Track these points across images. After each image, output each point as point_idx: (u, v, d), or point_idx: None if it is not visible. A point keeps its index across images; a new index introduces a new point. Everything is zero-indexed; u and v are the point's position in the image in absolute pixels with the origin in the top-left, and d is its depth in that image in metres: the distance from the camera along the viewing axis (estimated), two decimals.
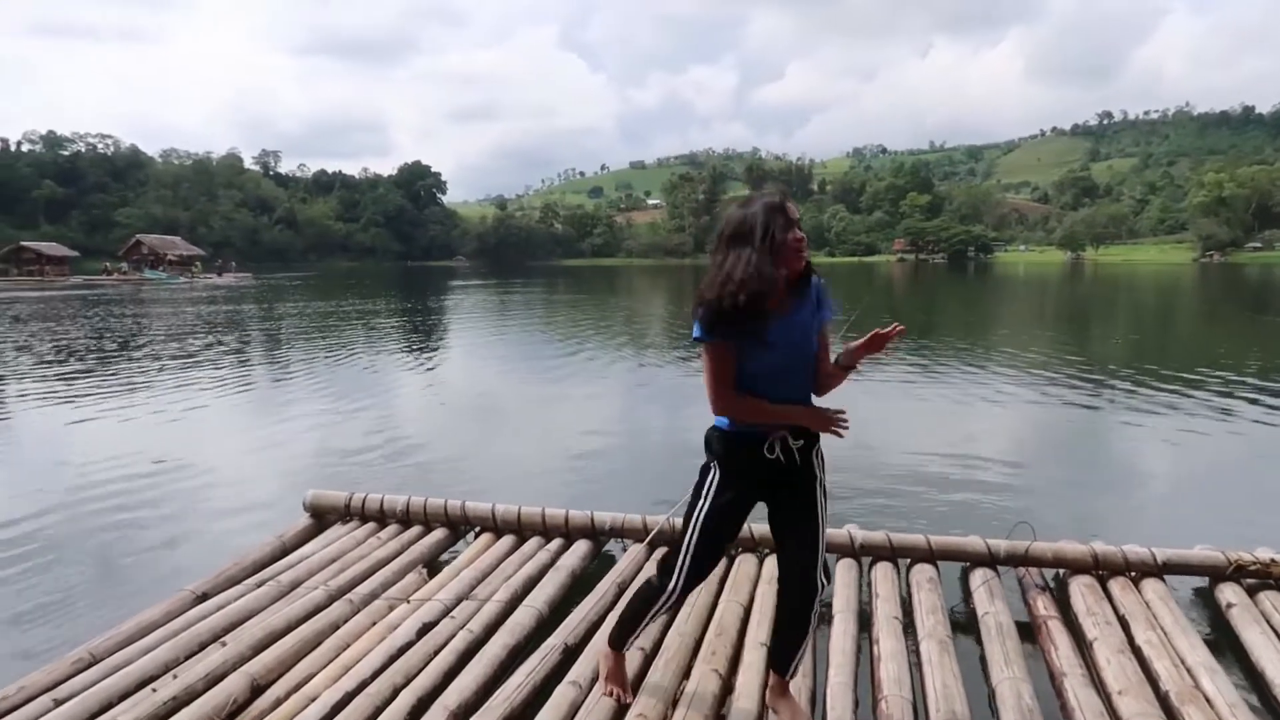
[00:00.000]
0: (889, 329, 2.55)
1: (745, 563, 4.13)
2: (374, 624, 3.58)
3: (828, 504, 2.71)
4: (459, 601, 3.76)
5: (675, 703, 2.92)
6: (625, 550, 4.48)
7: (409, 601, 3.78)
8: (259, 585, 3.94)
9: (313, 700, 2.94)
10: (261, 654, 3.28)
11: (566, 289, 46.60)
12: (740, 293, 2.39)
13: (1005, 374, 12.09)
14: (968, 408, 9.85)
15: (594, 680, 3.06)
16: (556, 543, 4.49)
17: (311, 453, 7.58)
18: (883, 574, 4.02)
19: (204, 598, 3.83)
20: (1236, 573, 3.90)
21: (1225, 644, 3.52)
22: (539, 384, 12.16)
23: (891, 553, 4.19)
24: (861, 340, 2.60)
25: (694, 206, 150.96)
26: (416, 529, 4.72)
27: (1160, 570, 3.94)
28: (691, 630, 3.46)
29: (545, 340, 19.04)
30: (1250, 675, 3.28)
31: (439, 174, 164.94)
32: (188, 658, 3.26)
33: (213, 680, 3.09)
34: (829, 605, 3.77)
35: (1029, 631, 3.58)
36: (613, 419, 9.29)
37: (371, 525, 4.79)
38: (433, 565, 4.37)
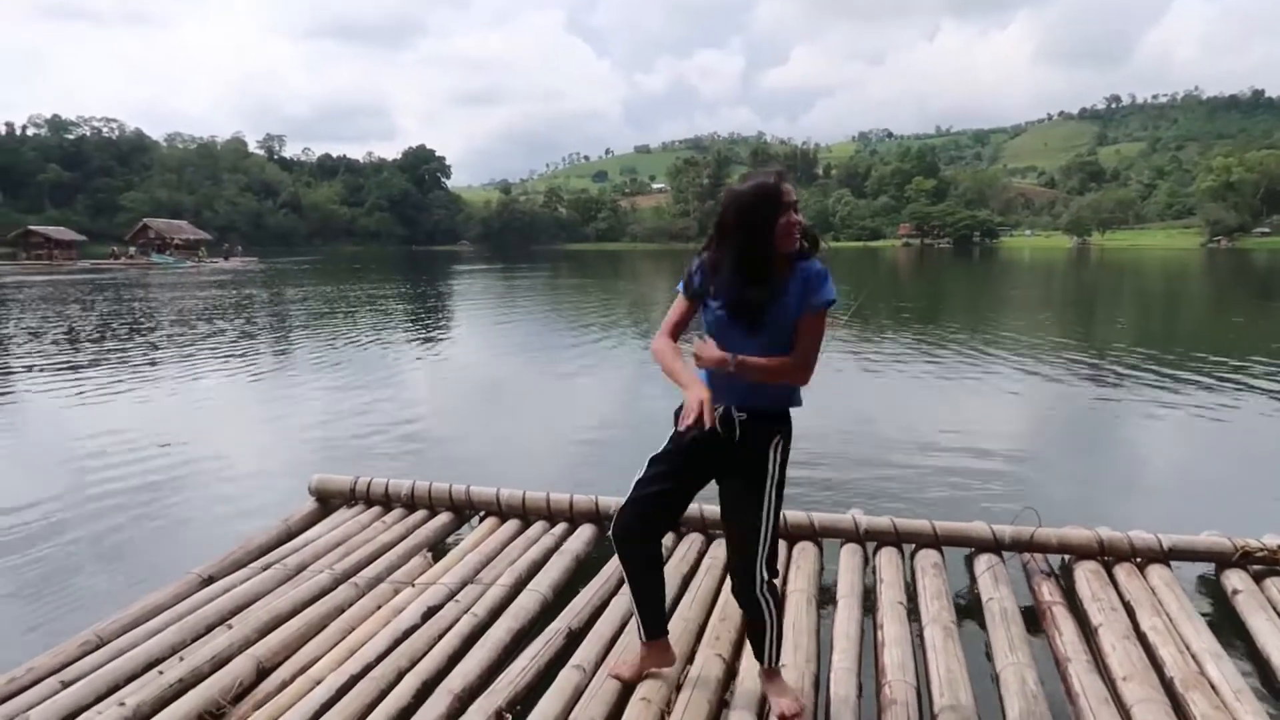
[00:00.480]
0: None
1: None
2: (379, 608, 3.58)
3: (776, 500, 2.63)
4: (463, 585, 3.77)
5: (679, 687, 2.92)
6: None
7: (414, 585, 3.79)
8: (265, 569, 3.94)
9: (318, 683, 2.95)
10: (267, 637, 3.29)
11: (571, 273, 46.55)
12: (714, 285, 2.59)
13: (1011, 359, 12.06)
14: (973, 393, 9.83)
15: (598, 664, 3.07)
16: (561, 527, 4.50)
17: (317, 437, 7.59)
18: (887, 559, 4.02)
19: (210, 581, 3.84)
20: (1243, 559, 3.89)
21: (1231, 630, 3.51)
22: (544, 368, 12.16)
23: (896, 538, 4.19)
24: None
25: (699, 191, 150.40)
26: (421, 513, 4.73)
27: (1166, 556, 3.94)
28: (695, 615, 3.47)
29: (550, 324, 19.04)
30: (1256, 661, 3.28)
31: (443, 158, 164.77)
32: (194, 640, 3.27)
33: (219, 663, 3.09)
34: (832, 590, 3.78)
35: (1034, 617, 3.58)
36: (618, 403, 9.29)
37: (377, 509, 4.79)
38: (437, 549, 4.38)
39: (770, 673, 2.83)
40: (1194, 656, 3.10)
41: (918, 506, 5.19)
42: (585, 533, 4.41)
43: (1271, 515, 5.07)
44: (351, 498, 4.88)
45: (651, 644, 2.92)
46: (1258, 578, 3.82)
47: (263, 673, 3.08)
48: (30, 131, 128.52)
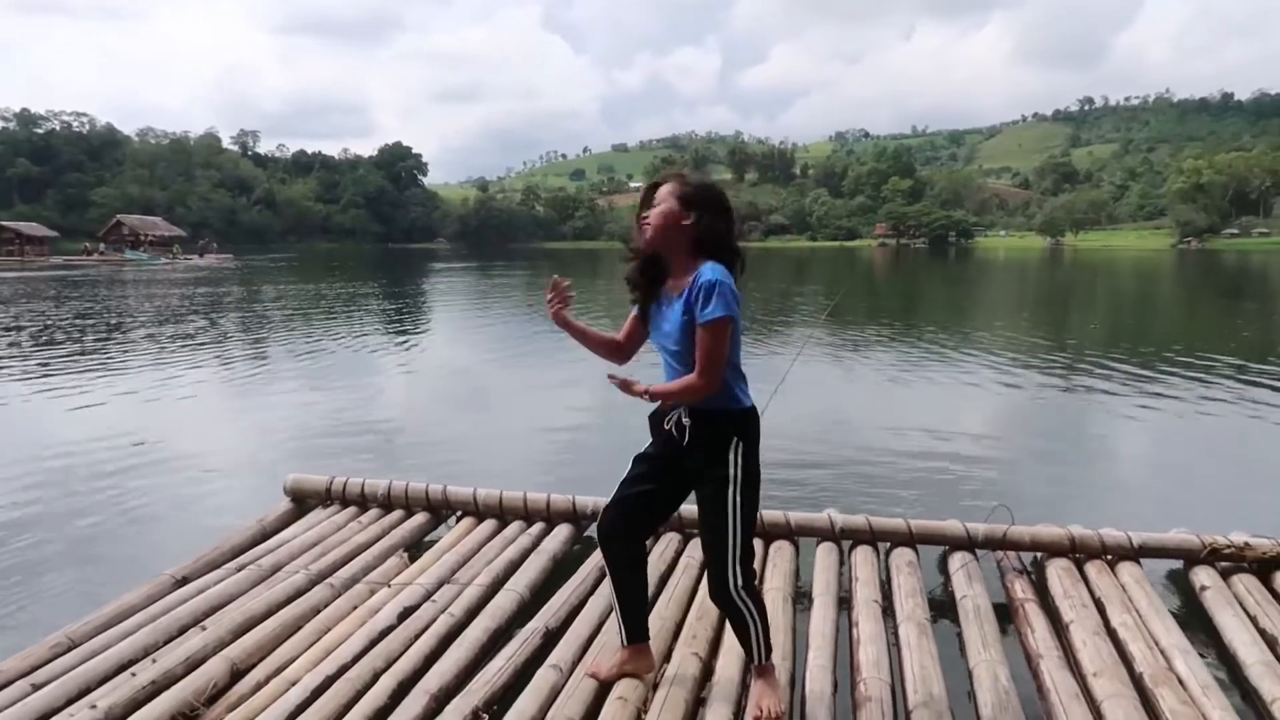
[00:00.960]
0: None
1: None
2: (355, 608, 3.57)
3: (742, 502, 2.63)
4: (440, 586, 3.76)
5: (655, 686, 2.93)
6: None
7: (390, 586, 3.77)
8: (239, 569, 3.91)
9: (293, 684, 2.93)
10: (241, 638, 3.26)
11: (549, 272, 46.27)
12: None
13: (985, 358, 12.17)
14: (948, 392, 9.91)
15: (575, 664, 3.07)
16: (538, 527, 4.49)
17: (292, 436, 7.54)
18: (863, 557, 4.05)
19: (184, 582, 3.80)
20: (1211, 556, 3.96)
21: (1199, 626, 3.56)
22: (521, 368, 12.14)
23: (871, 536, 4.22)
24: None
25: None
26: (398, 513, 4.71)
27: (1136, 553, 3.99)
28: (672, 614, 3.48)
29: (528, 324, 18.99)
30: (1223, 657, 3.33)
31: (420, 155, 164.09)
32: (167, 642, 3.24)
33: (192, 664, 3.07)
34: (808, 588, 3.80)
35: (1006, 614, 3.62)
36: (595, 403, 9.28)
37: (352, 509, 4.76)
38: (414, 549, 4.36)
39: (762, 670, 2.83)
40: (1163, 652, 3.15)
41: (893, 505, 5.23)
42: (562, 532, 4.40)
43: (1239, 512, 5.17)
44: (327, 497, 4.85)
45: (632, 648, 2.93)
46: (1225, 574, 3.88)
47: (237, 674, 3.05)
48: None
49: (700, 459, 2.64)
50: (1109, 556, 4.01)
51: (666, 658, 3.14)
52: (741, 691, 2.92)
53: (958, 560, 4.00)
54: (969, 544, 4.11)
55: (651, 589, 3.68)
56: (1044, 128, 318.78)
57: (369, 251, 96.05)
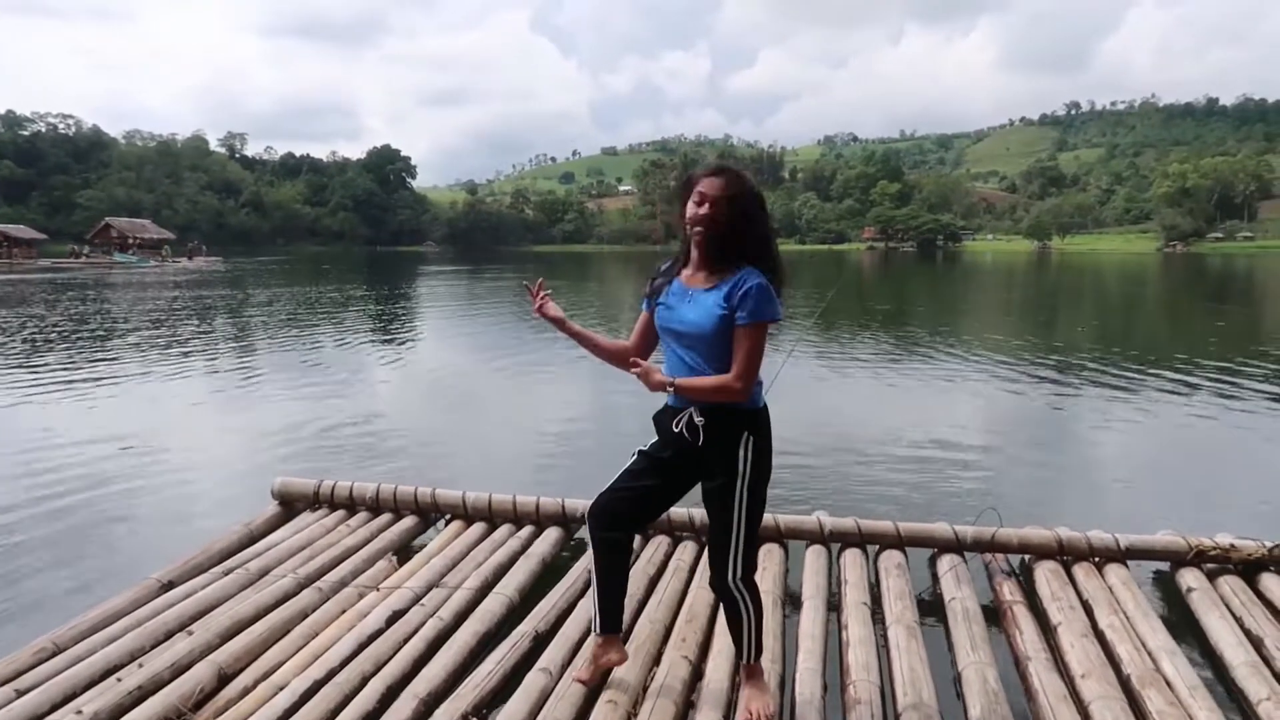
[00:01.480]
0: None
1: None
2: (343, 612, 3.55)
3: (749, 497, 2.65)
4: (429, 589, 3.75)
5: (645, 689, 2.93)
6: None
7: (378, 589, 3.76)
8: (226, 573, 3.89)
9: (281, 689, 2.92)
10: (229, 643, 3.24)
11: (538, 275, 46.21)
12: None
13: (973, 361, 12.21)
14: (936, 394, 9.95)
15: (564, 667, 3.06)
16: (527, 530, 4.48)
17: (280, 439, 7.50)
18: (852, 560, 4.06)
19: (170, 586, 3.78)
20: (1197, 558, 3.98)
21: (1185, 628, 3.58)
22: (511, 371, 12.11)
23: (860, 539, 4.23)
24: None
25: (665, 193, 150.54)
26: (386, 516, 4.69)
27: (1123, 555, 4.01)
28: (662, 617, 3.47)
29: (517, 327, 18.95)
30: (1209, 658, 3.35)
31: (409, 158, 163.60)
32: (154, 646, 3.22)
33: (179, 669, 3.05)
34: (798, 591, 3.80)
35: (995, 616, 3.63)
36: (584, 406, 9.26)
37: (341, 513, 4.74)
38: (402, 553, 4.34)
39: (750, 669, 2.84)
40: (1150, 654, 3.17)
41: (881, 507, 5.24)
42: (551, 535, 4.40)
43: (1225, 515, 5.20)
44: (315, 501, 4.83)
45: (605, 638, 2.92)
46: (1211, 576, 3.90)
47: (224, 679, 3.04)
48: None
49: (711, 455, 2.64)
50: (1096, 559, 4.03)
51: (656, 661, 3.14)
52: (731, 695, 2.92)
53: (946, 563, 4.01)
54: (957, 546, 4.12)
55: (641, 592, 3.69)
56: (1031, 132, 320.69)
57: (357, 255, 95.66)
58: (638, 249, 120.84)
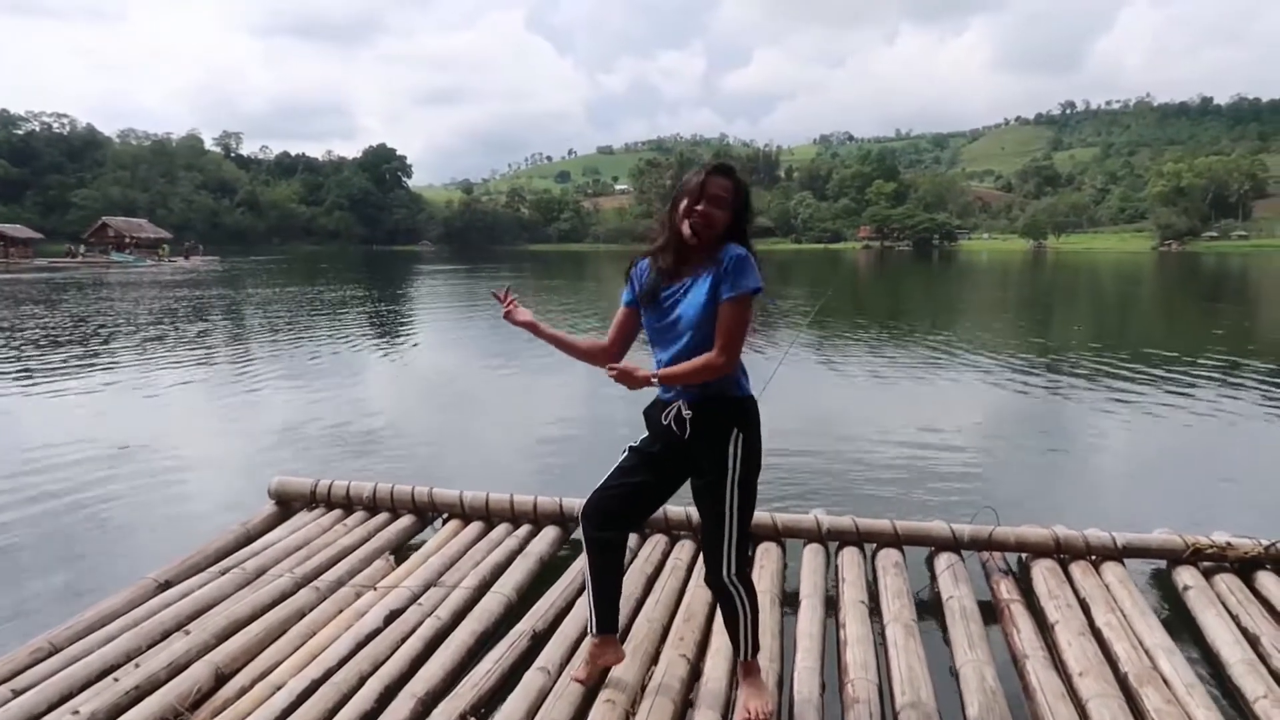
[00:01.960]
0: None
1: None
2: (340, 611, 3.55)
3: (740, 493, 2.65)
4: (426, 588, 3.74)
5: (643, 688, 2.93)
6: None
7: (376, 589, 3.76)
8: (223, 573, 3.88)
9: (278, 689, 2.91)
10: (226, 642, 3.24)
11: (534, 274, 46.35)
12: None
13: (970, 360, 12.23)
14: (934, 393, 9.96)
15: (562, 666, 3.06)
16: (525, 529, 4.48)
17: (277, 438, 7.49)
18: (849, 559, 4.06)
19: (167, 586, 3.77)
20: (1194, 556, 3.99)
21: (1182, 626, 3.59)
22: (508, 370, 12.10)
23: (858, 537, 4.23)
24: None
25: (661, 192, 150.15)
26: (383, 516, 4.69)
27: (1120, 554, 4.02)
28: (660, 616, 3.47)
29: (513, 326, 18.93)
30: (1206, 656, 3.35)
31: (404, 157, 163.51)
32: (150, 646, 3.21)
33: (176, 669, 3.04)
34: (795, 590, 3.80)
35: (992, 614, 3.63)
36: (581, 405, 9.26)
37: (338, 512, 4.74)
38: (400, 552, 4.34)
39: (747, 666, 2.84)
40: (1147, 652, 3.17)
41: (879, 506, 5.24)
42: (549, 534, 4.39)
43: (1221, 513, 5.21)
44: (312, 500, 4.82)
45: (601, 638, 2.93)
46: (1208, 574, 3.91)
47: (221, 679, 3.03)
48: None
49: (700, 449, 2.65)
50: (1093, 557, 4.03)
51: (654, 660, 3.14)
52: (729, 694, 2.92)
53: (944, 561, 4.02)
54: (955, 545, 4.12)
55: (638, 591, 3.69)
56: (1026, 131, 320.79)
57: (353, 254, 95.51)
58: (633, 248, 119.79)
